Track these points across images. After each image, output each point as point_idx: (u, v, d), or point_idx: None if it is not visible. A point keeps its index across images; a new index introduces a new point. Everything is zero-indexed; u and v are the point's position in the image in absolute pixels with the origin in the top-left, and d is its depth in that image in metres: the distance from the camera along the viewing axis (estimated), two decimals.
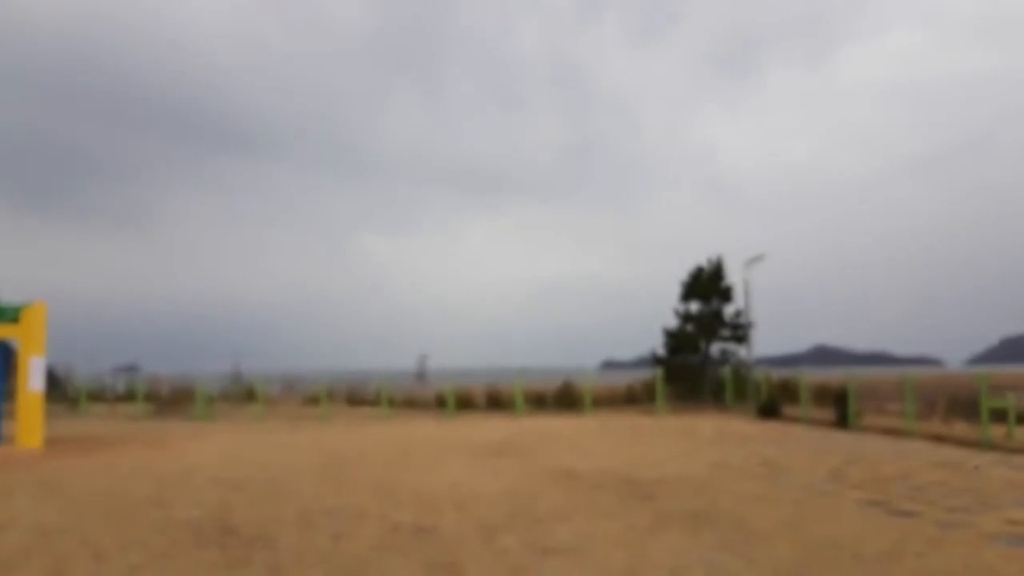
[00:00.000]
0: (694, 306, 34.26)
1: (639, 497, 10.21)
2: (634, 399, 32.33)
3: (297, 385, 37.04)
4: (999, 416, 17.72)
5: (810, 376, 29.72)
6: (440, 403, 30.74)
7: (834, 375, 31.20)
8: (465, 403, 31.27)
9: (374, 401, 32.57)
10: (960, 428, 18.55)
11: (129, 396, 35.24)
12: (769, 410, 25.15)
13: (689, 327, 33.87)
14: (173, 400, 31.69)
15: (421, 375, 34.40)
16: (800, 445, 16.83)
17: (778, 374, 32.71)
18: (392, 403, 31.28)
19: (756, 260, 29.25)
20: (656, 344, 34.47)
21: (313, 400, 33.26)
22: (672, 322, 34.38)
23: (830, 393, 23.86)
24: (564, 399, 30.95)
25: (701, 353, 33.62)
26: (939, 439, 17.24)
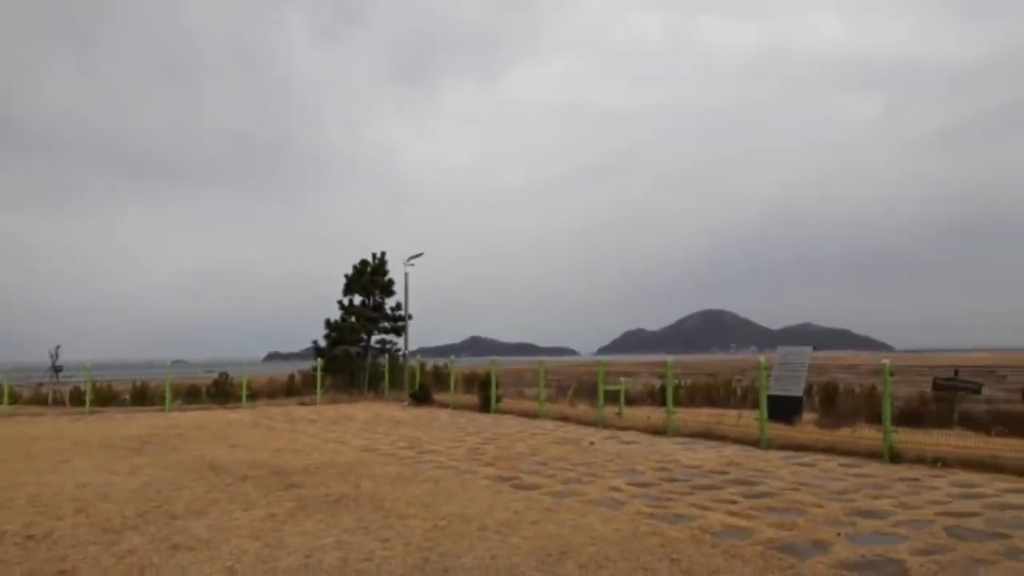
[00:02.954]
0: (357, 298, 34.66)
1: (284, 486, 10.14)
2: (295, 390, 31.81)
3: None
4: (615, 398, 20.31)
5: (462, 365, 31.53)
6: (77, 399, 27.57)
7: (483, 364, 33.41)
8: (107, 398, 28.46)
9: None
10: (583, 409, 20.90)
11: None
12: (421, 396, 26.23)
13: (352, 319, 34.18)
14: None
15: (55, 369, 30.41)
16: (445, 428, 17.83)
17: (434, 363, 34.29)
18: (16, 400, 27.41)
19: (416, 256, 30.28)
20: (320, 336, 34.35)
21: None
22: (336, 314, 34.47)
23: (478, 380, 25.50)
24: (220, 392, 29.49)
25: (362, 344, 34.11)
26: (565, 419, 19.28)
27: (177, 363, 35.12)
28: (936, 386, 18.28)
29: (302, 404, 27.20)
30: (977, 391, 17.50)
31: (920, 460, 11.67)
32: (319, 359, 30.50)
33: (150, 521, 8.00)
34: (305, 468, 11.77)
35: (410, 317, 32.01)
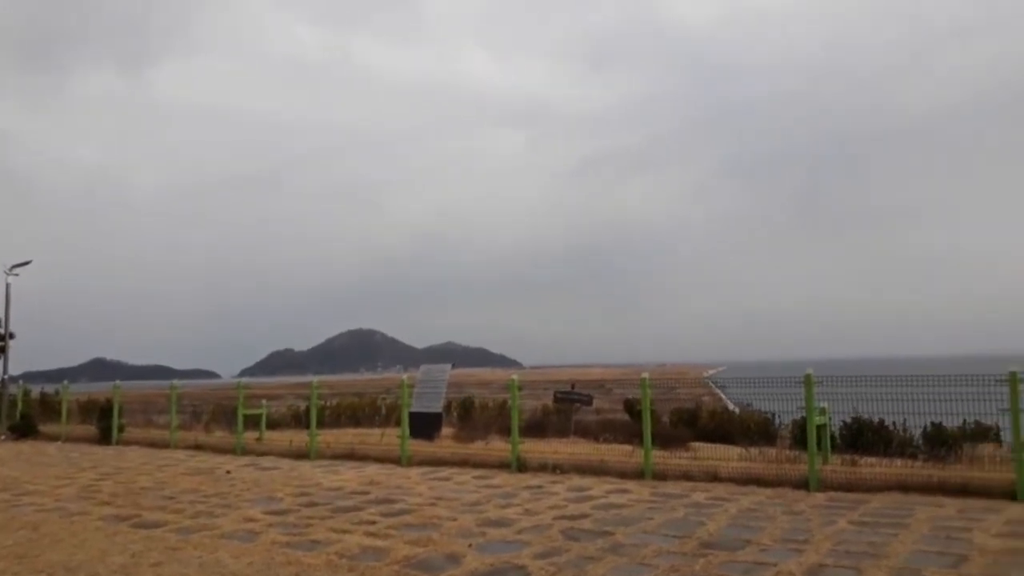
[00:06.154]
0: None
1: None
2: None
3: None
4: (257, 422, 19.38)
5: (81, 391, 28.11)
6: None
7: (108, 389, 30.12)
8: None
9: None
10: (220, 436, 19.68)
11: None
12: (23, 429, 22.82)
13: None
14: None
15: None
16: (53, 464, 15.63)
17: (42, 389, 30.13)
18: None
19: (23, 264, 26.22)
20: None
21: None
22: None
23: (98, 408, 22.85)
24: None
25: None
26: (200, 448, 17.99)
27: None
28: (556, 399, 20.14)
29: None
30: (589, 403, 19.60)
31: (543, 468, 12.71)
32: None
33: None
34: None
35: (12, 336, 27.63)
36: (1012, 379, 9.34)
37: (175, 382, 21.54)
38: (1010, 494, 9.16)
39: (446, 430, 18.09)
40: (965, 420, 13.95)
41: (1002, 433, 12.12)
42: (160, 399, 31.16)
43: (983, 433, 13.70)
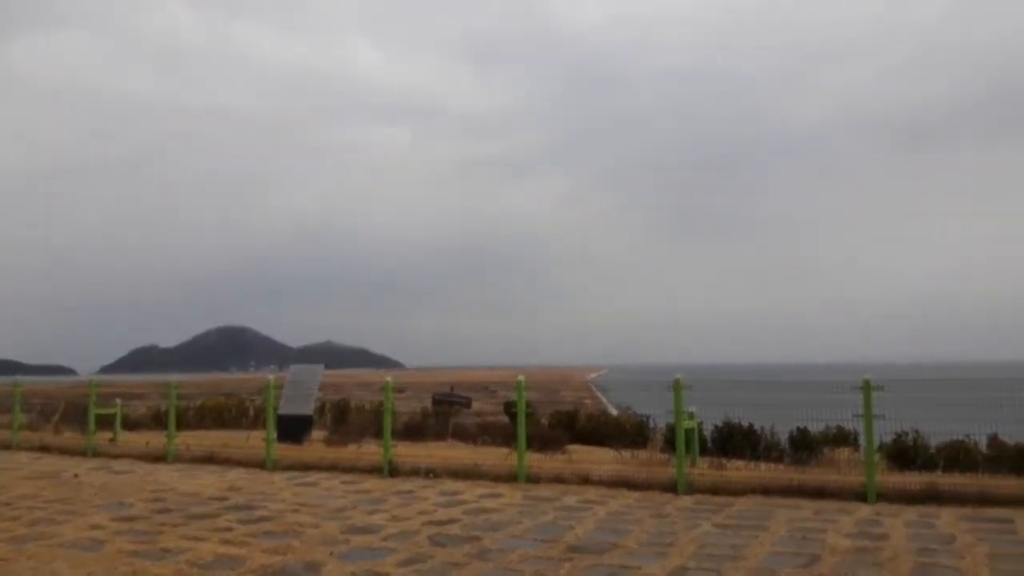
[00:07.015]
0: None
1: None
2: None
3: None
4: (113, 423, 18.20)
5: None
6: None
7: None
8: None
9: None
10: (70, 437, 18.39)
11: None
12: None
13: None
14: None
15: None
16: None
17: None
18: None
19: None
20: None
21: None
22: None
23: None
24: None
25: None
26: (46, 449, 16.75)
27: None
28: (435, 401, 19.90)
29: None
30: (468, 405, 19.46)
31: (415, 472, 12.42)
32: None
33: None
34: None
35: None
36: (865, 387, 9.81)
37: (19, 377, 20.01)
38: (861, 496, 9.58)
39: (318, 433, 17.52)
40: (827, 425, 14.63)
41: (859, 437, 12.75)
42: (4, 396, 29.03)
43: (844, 438, 14.39)
